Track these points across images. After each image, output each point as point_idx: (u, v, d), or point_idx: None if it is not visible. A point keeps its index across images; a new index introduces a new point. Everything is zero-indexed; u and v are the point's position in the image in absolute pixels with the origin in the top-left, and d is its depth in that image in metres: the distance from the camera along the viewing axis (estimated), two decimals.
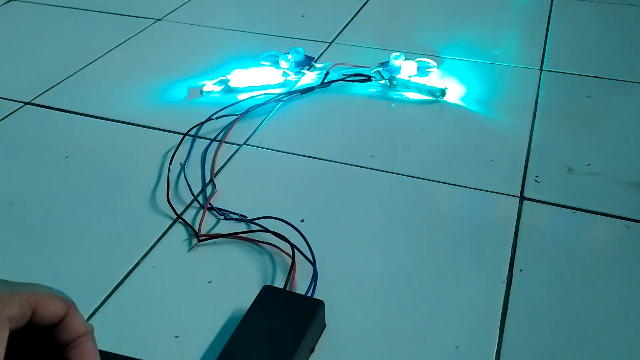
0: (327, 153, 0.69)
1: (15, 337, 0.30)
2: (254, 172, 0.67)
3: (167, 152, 0.70)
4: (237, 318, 0.46)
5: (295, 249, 0.54)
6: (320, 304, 0.47)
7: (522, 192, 0.63)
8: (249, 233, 0.57)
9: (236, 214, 0.60)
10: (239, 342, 0.44)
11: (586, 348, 0.47)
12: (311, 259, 0.54)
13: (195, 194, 0.63)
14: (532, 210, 0.60)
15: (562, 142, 0.70)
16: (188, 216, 0.60)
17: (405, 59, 0.84)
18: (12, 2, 1.13)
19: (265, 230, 0.57)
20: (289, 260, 0.54)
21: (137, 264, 0.55)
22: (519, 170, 0.66)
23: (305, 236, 0.56)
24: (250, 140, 0.72)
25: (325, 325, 0.48)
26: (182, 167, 0.67)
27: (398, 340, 0.48)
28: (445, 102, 0.78)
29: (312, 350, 0.46)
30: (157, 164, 0.68)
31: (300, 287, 0.52)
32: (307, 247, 0.55)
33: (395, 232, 0.58)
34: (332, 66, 0.86)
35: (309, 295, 0.50)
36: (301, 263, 0.54)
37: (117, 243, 0.58)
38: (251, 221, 0.59)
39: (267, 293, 0.47)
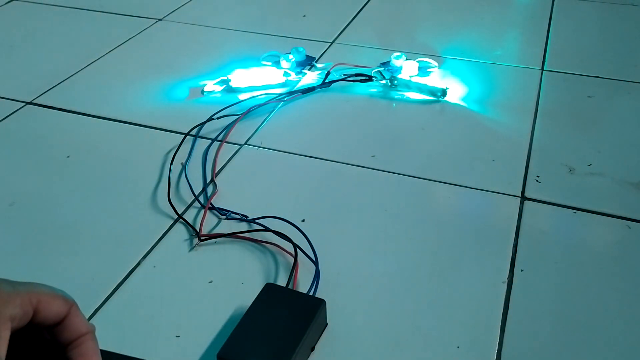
0: (328, 153, 0.69)
1: (17, 337, 0.30)
2: (255, 172, 0.67)
3: (168, 152, 0.70)
4: (238, 317, 0.46)
5: (297, 248, 0.54)
6: (321, 302, 0.47)
7: (523, 192, 0.63)
8: (250, 233, 0.57)
9: (237, 213, 0.60)
10: (240, 339, 0.44)
11: (587, 348, 0.47)
12: (313, 258, 0.54)
13: (197, 194, 0.63)
14: (533, 211, 0.60)
15: (563, 142, 0.70)
16: (189, 216, 0.60)
17: (407, 59, 0.84)
18: (13, 2, 1.13)
19: (267, 229, 0.57)
20: (291, 260, 0.54)
21: (138, 264, 0.55)
22: (520, 170, 0.66)
23: (307, 236, 0.56)
24: (251, 140, 0.72)
25: (327, 324, 0.48)
26: (183, 167, 0.67)
27: (399, 339, 0.48)
28: (447, 102, 0.78)
29: (312, 349, 0.47)
30: (158, 163, 0.68)
31: (302, 286, 0.52)
32: (309, 246, 0.55)
33: (396, 231, 0.58)
34: (333, 66, 0.86)
35: (311, 294, 0.50)
36: (303, 262, 0.54)
37: (118, 243, 0.58)
38: (252, 221, 0.59)
39: (269, 291, 0.48)
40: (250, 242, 0.57)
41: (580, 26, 0.99)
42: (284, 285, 0.51)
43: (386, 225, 0.59)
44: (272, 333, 0.44)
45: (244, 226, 0.59)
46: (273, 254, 0.55)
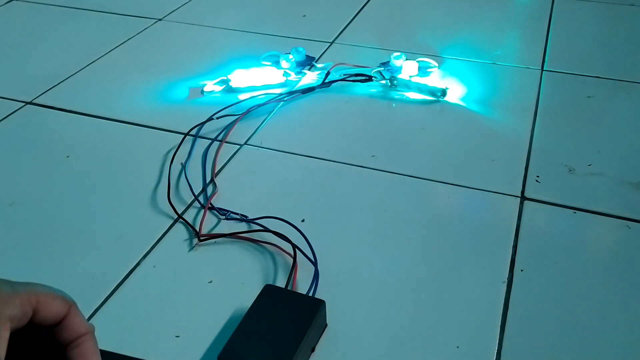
0: (327, 153, 0.69)
1: (16, 337, 0.30)
2: (255, 172, 0.67)
3: (168, 152, 0.70)
4: (238, 318, 0.46)
5: (296, 249, 0.54)
6: (321, 303, 0.47)
7: (522, 192, 0.63)
8: (250, 233, 0.57)
9: (237, 213, 0.60)
10: (240, 341, 0.44)
11: (587, 348, 0.47)
12: (312, 258, 0.54)
13: (196, 194, 0.63)
14: (533, 211, 0.60)
15: (563, 142, 0.70)
16: (189, 216, 0.60)
17: (406, 59, 0.84)
18: (13, 2, 1.13)
19: (266, 230, 0.57)
20: (290, 260, 0.54)
21: (138, 264, 0.55)
22: (520, 170, 0.66)
23: (306, 236, 0.56)
24: (251, 140, 0.72)
25: (327, 325, 0.48)
26: (183, 167, 0.67)
27: (399, 340, 0.48)
28: (446, 102, 0.78)
29: (312, 350, 0.46)
30: (158, 163, 0.68)
31: (302, 286, 0.52)
32: (308, 246, 0.55)
33: (396, 232, 0.58)
34: (333, 66, 0.86)
35: (310, 294, 0.50)
36: (302, 263, 0.54)
37: (117, 243, 0.58)
38: (252, 221, 0.59)
39: (268, 292, 0.48)
40: (250, 243, 0.57)
41: (580, 26, 0.99)
42: (284, 286, 0.51)
43: (386, 225, 0.59)
44: (272, 335, 0.44)
45: (243, 226, 0.59)
46: (272, 255, 0.55)
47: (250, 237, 0.57)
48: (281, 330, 0.44)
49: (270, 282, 0.52)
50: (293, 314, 0.45)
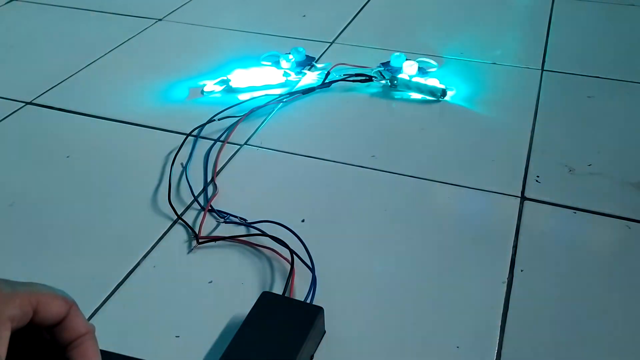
0: (327, 153, 0.69)
1: (17, 337, 0.30)
2: (255, 172, 0.67)
3: (169, 153, 0.70)
4: (237, 319, 0.46)
5: (294, 255, 0.53)
6: (319, 310, 0.46)
7: (523, 192, 0.63)
8: (249, 237, 0.57)
9: (236, 216, 0.59)
10: (238, 350, 0.43)
11: (587, 348, 0.47)
12: (310, 264, 0.53)
13: (196, 195, 0.63)
14: (533, 211, 0.60)
15: (563, 142, 0.70)
16: (189, 217, 0.60)
17: (407, 59, 0.84)
18: (13, 2, 1.13)
19: (265, 234, 0.57)
20: (288, 266, 0.53)
21: (138, 264, 0.55)
22: (520, 170, 0.66)
23: (306, 237, 0.55)
24: (251, 140, 0.72)
25: (325, 332, 0.48)
26: (184, 167, 0.67)
27: (399, 343, 0.48)
28: (446, 102, 0.78)
29: (311, 358, 0.46)
30: (157, 164, 0.68)
31: (300, 292, 0.51)
32: (306, 253, 0.54)
33: (395, 232, 0.58)
34: (333, 66, 0.86)
35: (308, 301, 0.49)
36: (300, 268, 0.53)
37: (118, 243, 0.58)
38: (250, 225, 0.58)
39: (266, 299, 0.47)
40: (249, 247, 0.57)
41: (580, 26, 0.99)
42: (282, 291, 0.50)
43: (385, 225, 0.59)
44: (270, 343, 0.43)
45: (242, 229, 0.59)
46: (271, 259, 0.55)
47: (248, 240, 0.57)
48: (279, 338, 0.43)
49: (268, 287, 0.52)
50: (291, 321, 0.45)
